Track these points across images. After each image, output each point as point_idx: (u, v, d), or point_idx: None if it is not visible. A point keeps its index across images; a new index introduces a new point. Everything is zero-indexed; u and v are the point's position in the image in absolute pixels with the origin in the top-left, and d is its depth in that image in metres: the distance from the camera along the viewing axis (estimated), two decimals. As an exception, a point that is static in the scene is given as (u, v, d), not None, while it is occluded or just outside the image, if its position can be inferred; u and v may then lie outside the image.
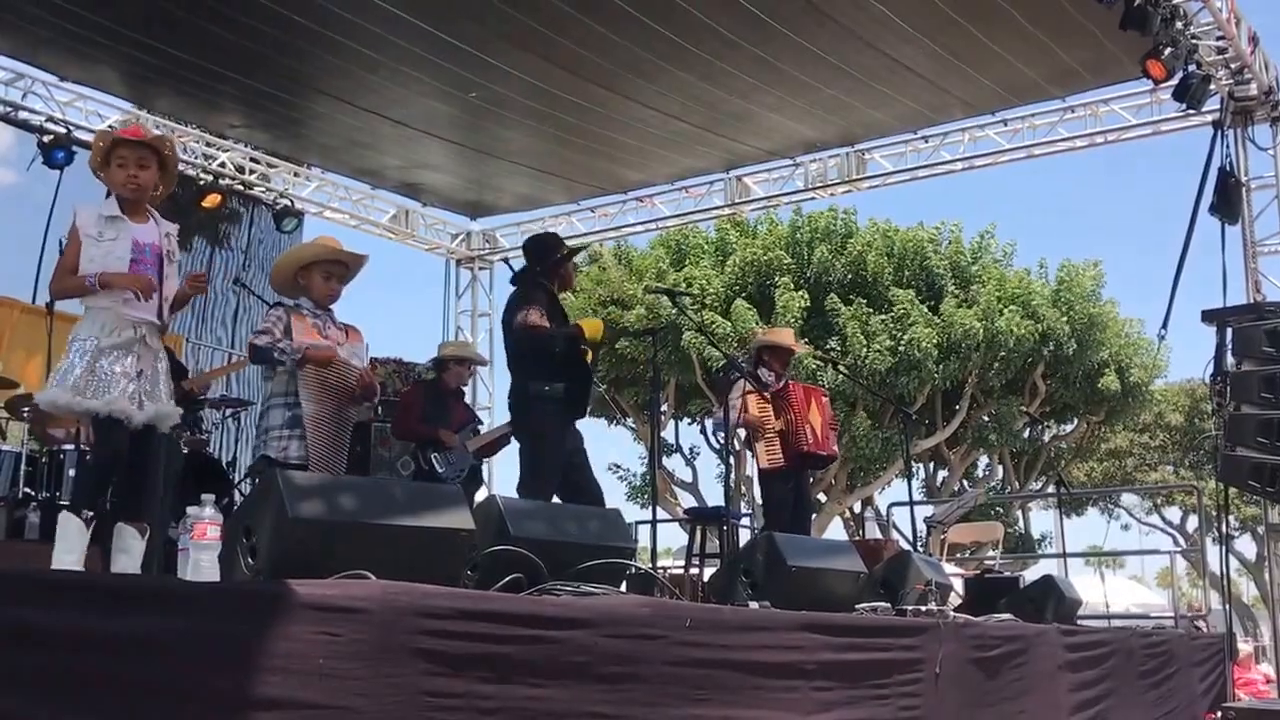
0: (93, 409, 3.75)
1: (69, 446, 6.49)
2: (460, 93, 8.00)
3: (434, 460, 6.56)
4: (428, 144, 9.12)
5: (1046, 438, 19.83)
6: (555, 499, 5.37)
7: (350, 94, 8.14)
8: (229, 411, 8.16)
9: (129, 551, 3.80)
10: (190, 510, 2.76)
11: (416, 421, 6.71)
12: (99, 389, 3.78)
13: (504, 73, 7.72)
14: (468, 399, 11.03)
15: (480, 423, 7.25)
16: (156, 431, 4.00)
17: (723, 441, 6.81)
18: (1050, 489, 19.24)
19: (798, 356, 15.24)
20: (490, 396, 11.60)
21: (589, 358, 5.59)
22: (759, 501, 7.79)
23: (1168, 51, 7.01)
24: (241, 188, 9.93)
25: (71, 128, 8.41)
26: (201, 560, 2.71)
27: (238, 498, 6.80)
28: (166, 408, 3.99)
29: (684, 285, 16.10)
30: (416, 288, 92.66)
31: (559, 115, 8.45)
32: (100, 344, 3.82)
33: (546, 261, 5.79)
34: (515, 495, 5.09)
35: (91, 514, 3.74)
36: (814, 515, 7.88)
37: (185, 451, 6.75)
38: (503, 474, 11.72)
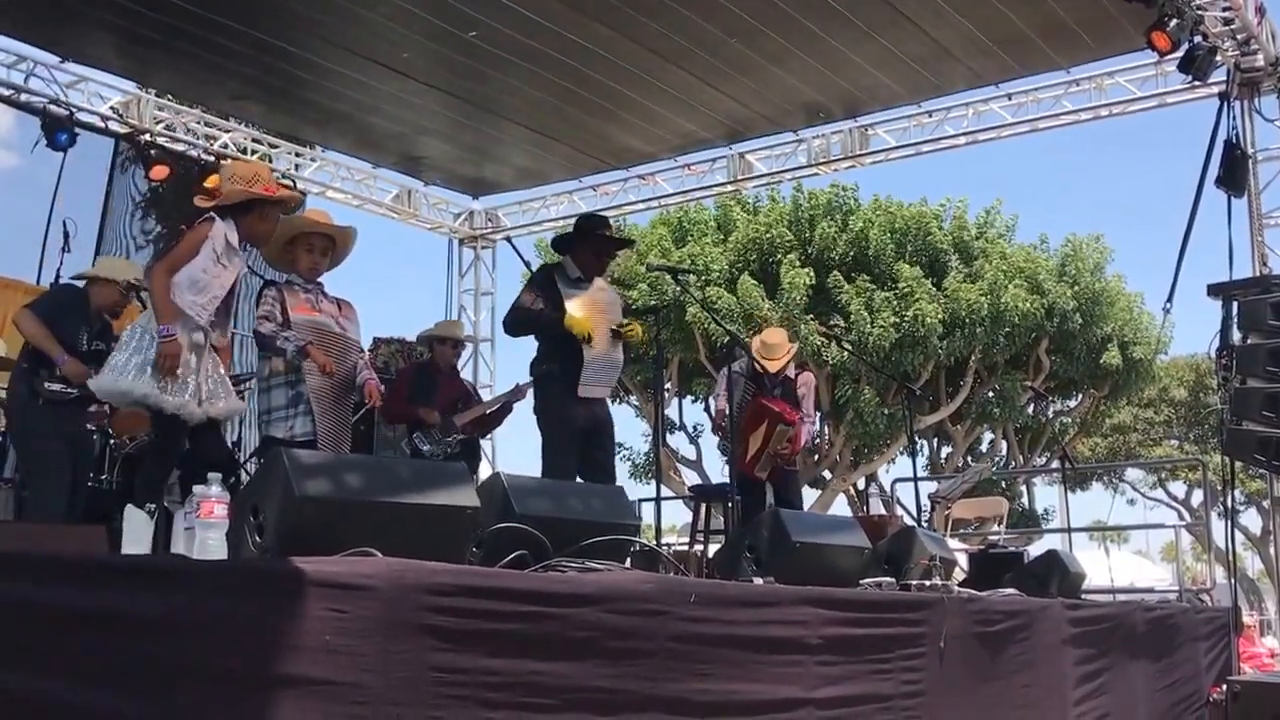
0: (165, 407, 3.93)
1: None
2: (460, 32, 7.82)
3: (416, 440, 6.55)
4: (427, 99, 8.94)
5: (1050, 413, 19.84)
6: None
7: (350, 40, 7.97)
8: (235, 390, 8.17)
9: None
10: (197, 489, 2.77)
11: (402, 403, 6.66)
12: (175, 388, 3.96)
13: (503, 6, 7.52)
14: (469, 377, 11.06)
15: (476, 399, 7.21)
16: (220, 425, 4.33)
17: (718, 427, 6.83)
18: (1054, 464, 19.25)
19: (802, 336, 15.30)
20: (491, 375, 11.63)
21: (638, 334, 5.74)
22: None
23: (1173, 23, 6.96)
24: (244, 168, 9.92)
25: (74, 110, 8.40)
26: (209, 539, 2.72)
27: (243, 477, 6.82)
28: (234, 403, 4.29)
29: (687, 263, 16.10)
30: (419, 267, 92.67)
31: (559, 58, 8.25)
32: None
33: (573, 246, 5.89)
34: (518, 472, 5.12)
35: (154, 507, 3.85)
36: (801, 497, 7.83)
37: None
38: (506, 452, 11.79)
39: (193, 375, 4.01)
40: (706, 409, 7.26)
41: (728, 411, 6.44)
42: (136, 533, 3.70)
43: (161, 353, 3.90)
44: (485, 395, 8.92)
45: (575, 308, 5.56)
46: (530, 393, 6.64)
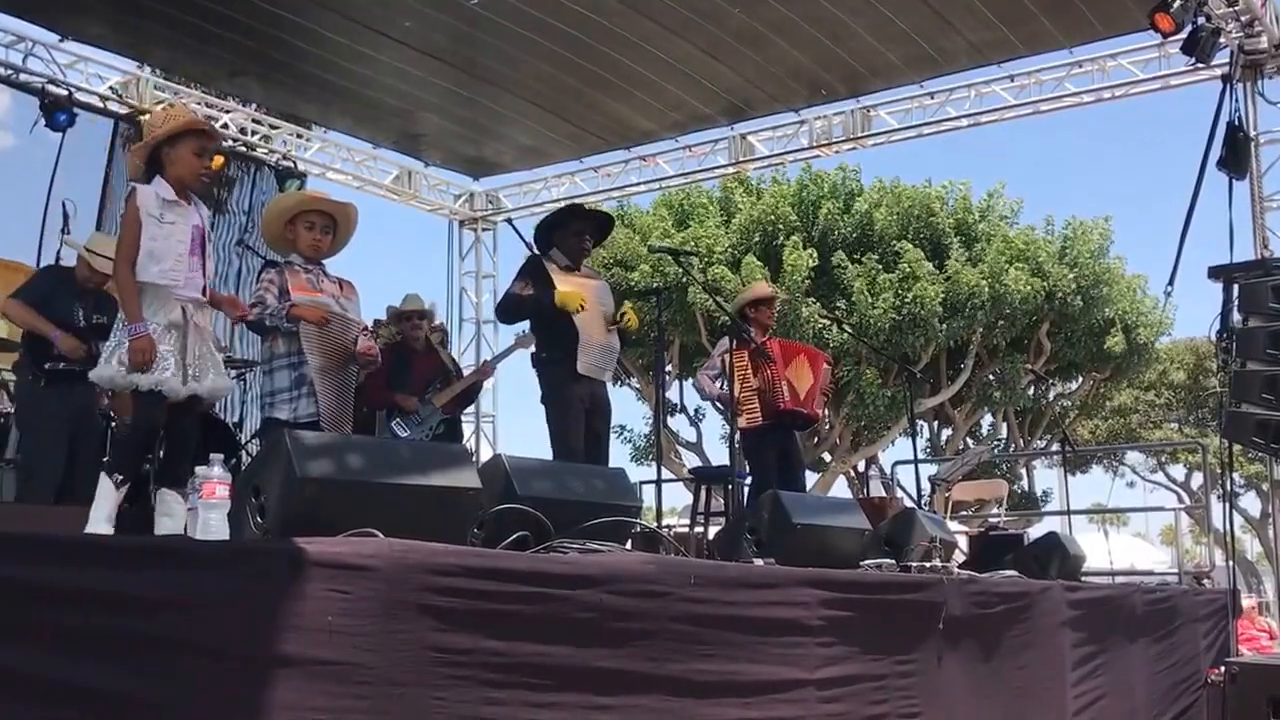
0: (139, 384, 3.90)
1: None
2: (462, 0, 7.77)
3: (395, 427, 6.42)
4: (427, 70, 8.83)
5: (1051, 395, 19.84)
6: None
7: (350, 7, 7.89)
8: (234, 373, 8.17)
9: (173, 515, 3.92)
10: (199, 470, 2.78)
11: (380, 389, 6.43)
12: (154, 367, 3.92)
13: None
14: (471, 359, 11.04)
15: (456, 374, 7.05)
16: (201, 403, 4.21)
17: (724, 402, 6.86)
18: (1054, 447, 19.28)
19: (804, 318, 15.31)
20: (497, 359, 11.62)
21: (634, 324, 5.89)
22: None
23: (1176, 4, 6.93)
24: (244, 149, 9.91)
25: (73, 89, 8.38)
26: (211, 519, 2.72)
27: (244, 459, 6.81)
28: (220, 381, 4.19)
29: (690, 245, 16.08)
30: (420, 249, 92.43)
31: (559, 27, 8.15)
32: (149, 322, 3.96)
33: (553, 231, 5.99)
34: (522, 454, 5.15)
35: (122, 477, 3.88)
36: (804, 472, 7.89)
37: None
38: (508, 435, 11.79)
39: (174, 354, 4.00)
40: (698, 389, 7.22)
41: (723, 389, 6.54)
42: (102, 500, 3.81)
43: (132, 349, 3.91)
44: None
45: (564, 285, 5.68)
46: (533, 383, 6.68)
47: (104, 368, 3.96)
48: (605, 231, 6.43)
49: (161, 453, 4.30)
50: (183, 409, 4.10)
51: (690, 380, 18.72)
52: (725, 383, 6.61)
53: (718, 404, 7.19)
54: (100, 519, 3.79)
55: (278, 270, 4.94)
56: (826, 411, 17.18)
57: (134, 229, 3.98)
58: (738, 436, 6.54)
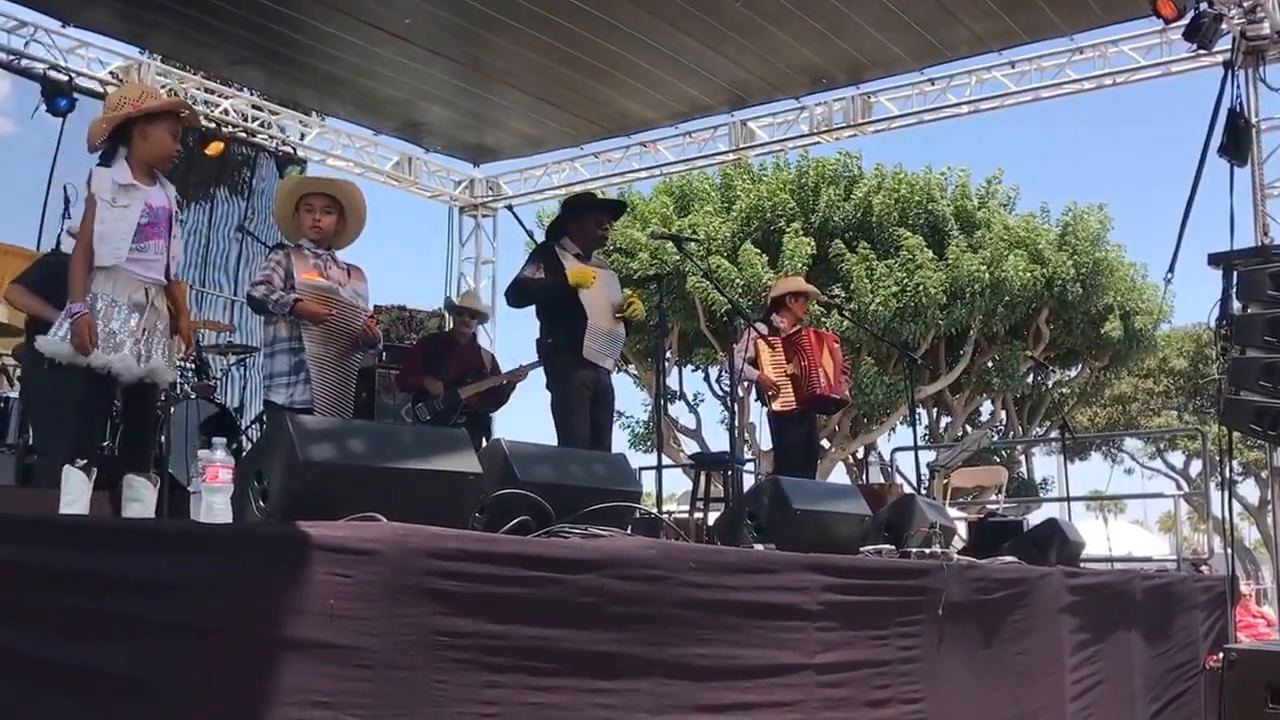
0: (98, 364, 3.86)
1: None
2: None
3: (418, 411, 6.69)
4: (428, 64, 8.82)
5: (1050, 383, 19.85)
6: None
7: (351, 4, 7.89)
8: (235, 358, 8.19)
9: (142, 500, 3.90)
10: (201, 454, 2.79)
11: (414, 373, 6.78)
12: (106, 345, 3.89)
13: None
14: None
15: (492, 371, 7.22)
16: (156, 388, 4.16)
17: (744, 388, 6.96)
18: (1053, 434, 19.30)
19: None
20: (492, 344, 11.61)
21: (640, 312, 5.95)
22: (764, 447, 7.88)
23: (1179, -10, 6.93)
24: (245, 135, 9.89)
25: (74, 75, 8.36)
26: (214, 503, 2.73)
27: (245, 444, 6.84)
28: (162, 364, 4.09)
29: (689, 232, 16.07)
30: (420, 235, 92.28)
31: (559, 21, 8.11)
32: (111, 301, 3.94)
33: (567, 222, 6.03)
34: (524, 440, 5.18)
35: (85, 462, 3.81)
36: (819, 460, 7.99)
37: (193, 398, 6.78)
38: (507, 424, 11.80)
39: (132, 335, 3.96)
40: (737, 379, 7.27)
41: (757, 373, 6.65)
42: (75, 493, 3.71)
43: (73, 329, 3.87)
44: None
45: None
46: (535, 372, 6.76)
47: (52, 341, 3.89)
48: (616, 218, 6.50)
49: (120, 438, 4.20)
50: (140, 393, 4.04)
51: (690, 367, 18.85)
52: (753, 368, 6.76)
53: (752, 386, 7.26)
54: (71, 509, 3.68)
55: (285, 253, 4.94)
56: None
57: (89, 219, 3.97)
58: (761, 418, 6.70)
